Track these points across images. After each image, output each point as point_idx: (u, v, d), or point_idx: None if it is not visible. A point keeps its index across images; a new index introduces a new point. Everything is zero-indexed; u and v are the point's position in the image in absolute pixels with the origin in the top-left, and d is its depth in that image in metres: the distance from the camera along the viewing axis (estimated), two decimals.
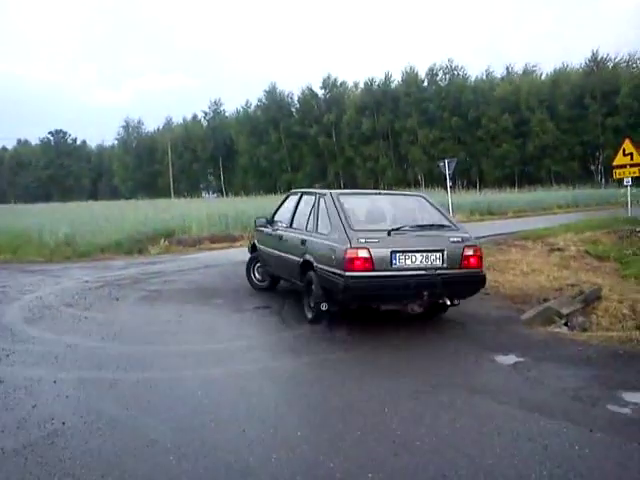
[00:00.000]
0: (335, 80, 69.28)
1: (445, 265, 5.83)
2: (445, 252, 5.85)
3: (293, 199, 7.80)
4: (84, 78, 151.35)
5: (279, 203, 8.33)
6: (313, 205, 6.79)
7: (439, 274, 5.76)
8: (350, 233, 5.74)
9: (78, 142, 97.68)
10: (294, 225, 7.24)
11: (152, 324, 6.66)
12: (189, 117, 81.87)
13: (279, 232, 7.50)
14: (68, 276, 10.30)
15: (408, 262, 5.72)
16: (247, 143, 69.96)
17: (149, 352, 5.35)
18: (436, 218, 6.49)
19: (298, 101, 71.31)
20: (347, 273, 5.53)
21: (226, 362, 5.00)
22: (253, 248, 8.61)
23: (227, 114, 78.57)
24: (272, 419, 3.72)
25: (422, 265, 5.76)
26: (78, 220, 17.26)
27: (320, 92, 69.63)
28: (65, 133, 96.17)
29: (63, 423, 3.65)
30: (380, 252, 5.62)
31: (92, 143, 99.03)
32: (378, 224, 6.31)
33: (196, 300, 7.82)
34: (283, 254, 7.19)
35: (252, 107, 73.70)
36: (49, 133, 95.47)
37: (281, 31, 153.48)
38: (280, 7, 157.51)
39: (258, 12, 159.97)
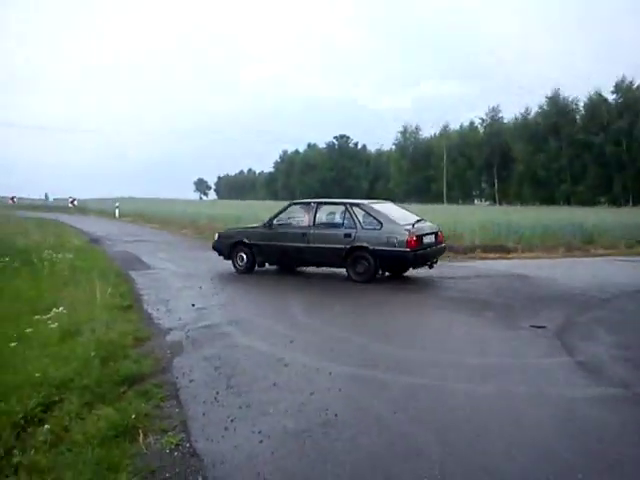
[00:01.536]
0: (631, 83, 62.16)
1: (435, 242, 9.96)
2: (435, 234, 10.05)
3: (299, 208, 10.80)
4: (368, 87, 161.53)
5: (277, 211, 10.91)
6: (346, 212, 9.87)
7: (439, 246, 10.16)
8: (402, 226, 9.29)
9: (359, 146, 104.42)
10: (318, 225, 10.05)
11: (420, 329, 6.75)
12: (466, 123, 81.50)
13: (302, 231, 10.07)
14: (333, 273, 10.72)
15: (427, 241, 9.59)
16: (524, 151, 66.79)
17: (418, 357, 5.37)
18: (414, 215, 10.44)
19: (583, 107, 65.69)
20: (409, 249, 9.00)
21: (495, 380, 4.74)
22: (236, 245, 10.86)
23: (505, 121, 76.22)
24: (543, 448, 3.40)
25: (431, 242, 9.77)
26: None
27: (610, 97, 63.16)
28: (348, 138, 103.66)
29: (336, 415, 3.86)
30: (419, 236, 9.24)
31: (371, 147, 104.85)
32: (401, 219, 9.71)
33: (466, 310, 7.64)
34: (314, 245, 9.85)
35: (532, 114, 70.09)
36: (334, 137, 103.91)
37: (565, 33, 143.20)
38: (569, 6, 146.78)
39: (541, 14, 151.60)
